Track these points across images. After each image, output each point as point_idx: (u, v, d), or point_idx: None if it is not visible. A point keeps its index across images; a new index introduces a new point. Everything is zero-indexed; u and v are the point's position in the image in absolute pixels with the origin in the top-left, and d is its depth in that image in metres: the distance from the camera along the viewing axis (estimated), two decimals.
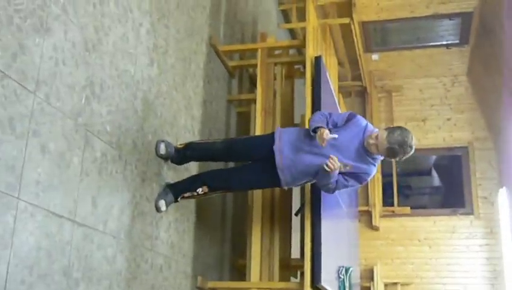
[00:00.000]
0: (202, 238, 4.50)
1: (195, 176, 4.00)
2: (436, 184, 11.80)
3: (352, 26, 7.42)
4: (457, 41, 8.93)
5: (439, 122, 9.51)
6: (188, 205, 4.24)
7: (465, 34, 8.70)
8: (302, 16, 6.12)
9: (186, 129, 4.25)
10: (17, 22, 2.42)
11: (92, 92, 2.99)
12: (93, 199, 2.96)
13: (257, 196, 4.61)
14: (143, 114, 3.56)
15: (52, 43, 2.66)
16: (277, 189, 4.80)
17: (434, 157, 10.84)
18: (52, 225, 2.61)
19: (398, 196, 9.33)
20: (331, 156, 3.43)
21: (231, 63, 5.25)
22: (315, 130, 3.53)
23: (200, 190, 3.79)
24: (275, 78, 5.23)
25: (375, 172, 3.75)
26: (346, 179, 3.65)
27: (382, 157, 3.71)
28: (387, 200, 9.39)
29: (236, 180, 3.88)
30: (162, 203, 3.71)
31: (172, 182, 3.86)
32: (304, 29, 5.08)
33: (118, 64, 3.27)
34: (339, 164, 3.44)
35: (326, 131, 3.45)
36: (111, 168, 3.15)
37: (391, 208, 9.21)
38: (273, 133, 3.84)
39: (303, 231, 4.28)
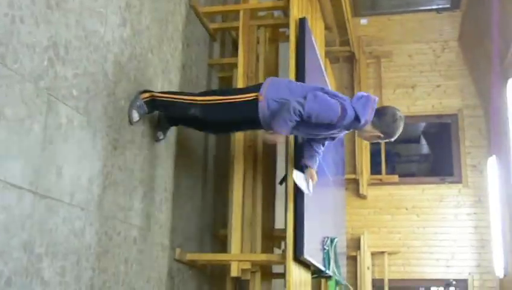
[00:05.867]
0: (181, 208, 4.33)
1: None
2: (424, 152, 11.71)
3: None
4: (448, 5, 8.72)
5: (429, 89, 9.31)
6: (166, 174, 4.05)
7: None
8: None
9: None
10: None
11: (56, 53, 2.76)
12: (58, 168, 2.76)
13: (238, 160, 4.44)
14: (115, 78, 3.34)
15: None
16: (260, 155, 4.63)
17: (423, 124, 10.70)
18: (10, 197, 2.40)
19: (386, 164, 9.18)
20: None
21: (212, 26, 5.01)
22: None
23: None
24: (258, 42, 5.01)
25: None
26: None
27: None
28: (375, 168, 9.25)
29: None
30: (135, 113, 3.51)
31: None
32: None
33: (86, 24, 3.04)
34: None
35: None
36: (78, 136, 2.94)
37: (379, 176, 9.07)
38: (256, 92, 3.50)
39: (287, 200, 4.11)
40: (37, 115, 2.61)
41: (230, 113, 3.56)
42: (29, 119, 2.54)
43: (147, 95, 3.59)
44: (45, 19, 2.68)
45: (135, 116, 3.52)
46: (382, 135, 3.51)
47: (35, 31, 2.61)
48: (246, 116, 3.52)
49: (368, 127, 3.48)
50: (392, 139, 3.56)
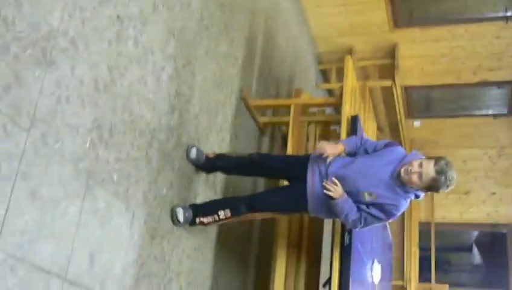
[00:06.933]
0: None
1: (218, 199, 3.84)
2: (477, 262, 11.19)
3: (394, 90, 7.09)
4: (505, 111, 8.50)
5: (483, 196, 8.98)
6: (204, 268, 3.88)
7: None
8: (341, 77, 5.84)
9: (207, 185, 3.93)
10: (14, 51, 2.18)
11: (99, 136, 2.71)
12: (91, 255, 2.64)
13: (281, 258, 4.24)
14: (158, 165, 3.26)
15: (55, 77, 2.40)
16: (303, 254, 4.43)
17: (476, 233, 10.28)
18: (37, 282, 2.28)
19: (436, 272, 8.75)
20: (333, 180, 3.29)
21: (262, 119, 4.96)
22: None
23: (222, 213, 3.47)
24: (308, 138, 4.92)
25: (405, 207, 3.34)
26: (370, 211, 3.30)
27: (413, 196, 3.33)
28: (424, 275, 8.82)
29: (260, 200, 3.59)
30: (180, 211, 3.42)
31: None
32: (341, 88, 4.77)
33: (133, 108, 3.00)
34: (339, 191, 3.26)
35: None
36: (115, 222, 2.83)
37: (428, 285, 8.62)
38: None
39: None
40: (74, 197, 2.52)
41: (283, 158, 4.04)
42: (65, 201, 2.46)
43: (212, 154, 3.80)
44: (92, 100, 2.65)
45: (193, 153, 3.63)
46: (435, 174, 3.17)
47: (80, 112, 2.57)
48: (298, 161, 3.63)
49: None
50: (445, 186, 3.21)
